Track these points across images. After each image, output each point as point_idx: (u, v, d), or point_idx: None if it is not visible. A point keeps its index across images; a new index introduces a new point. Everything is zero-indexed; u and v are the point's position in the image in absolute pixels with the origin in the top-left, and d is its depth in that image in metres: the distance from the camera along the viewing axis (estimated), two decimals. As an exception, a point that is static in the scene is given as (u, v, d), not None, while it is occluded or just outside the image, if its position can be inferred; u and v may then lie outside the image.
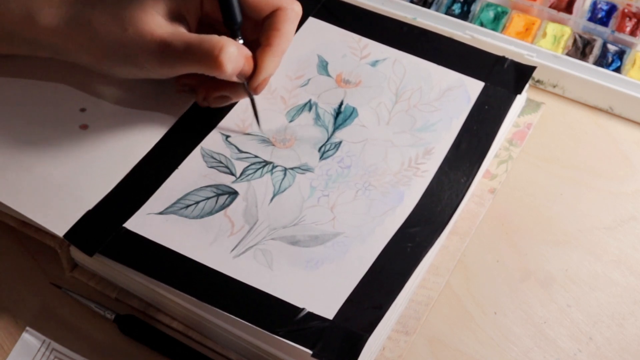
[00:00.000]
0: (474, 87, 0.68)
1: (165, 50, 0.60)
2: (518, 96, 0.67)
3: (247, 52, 0.62)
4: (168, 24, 0.60)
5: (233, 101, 0.66)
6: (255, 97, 0.64)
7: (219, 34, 0.61)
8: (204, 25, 0.65)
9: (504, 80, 0.68)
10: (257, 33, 0.63)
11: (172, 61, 0.60)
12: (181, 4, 0.62)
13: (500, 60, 0.69)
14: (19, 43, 0.63)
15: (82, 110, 0.66)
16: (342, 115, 0.66)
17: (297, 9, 0.64)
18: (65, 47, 0.62)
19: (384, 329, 0.57)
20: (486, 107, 0.67)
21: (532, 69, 0.69)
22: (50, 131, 0.64)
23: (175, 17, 0.61)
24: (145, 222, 0.59)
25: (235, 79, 0.62)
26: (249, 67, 0.62)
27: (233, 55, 0.60)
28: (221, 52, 0.59)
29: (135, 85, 0.66)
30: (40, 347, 0.58)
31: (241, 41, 0.63)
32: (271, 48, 0.62)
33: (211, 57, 0.59)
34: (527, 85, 0.68)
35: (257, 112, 0.65)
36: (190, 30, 0.62)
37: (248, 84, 0.63)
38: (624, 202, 0.67)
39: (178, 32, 0.60)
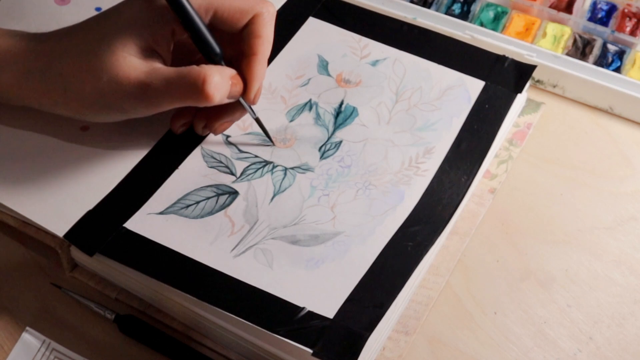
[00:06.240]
0: (474, 86, 0.68)
1: (146, 91, 0.57)
2: (518, 95, 0.67)
3: (231, 72, 0.60)
4: (142, 63, 0.58)
5: (237, 120, 0.64)
6: (257, 107, 0.63)
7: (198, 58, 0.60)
8: (180, 53, 0.62)
9: (504, 79, 0.68)
10: (235, 45, 0.61)
11: (157, 100, 0.58)
12: (150, 40, 0.58)
13: (500, 59, 0.69)
14: None
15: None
16: (342, 115, 0.66)
17: (272, 10, 0.61)
18: (38, 102, 0.60)
19: (385, 328, 0.57)
20: (486, 106, 0.67)
21: (532, 67, 0.69)
22: (50, 132, 0.64)
23: (148, 53, 0.59)
24: (145, 222, 0.59)
25: (226, 101, 0.60)
26: (239, 87, 0.60)
27: (218, 83, 0.57)
28: (205, 83, 0.57)
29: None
30: (40, 347, 0.58)
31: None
32: (257, 56, 0.60)
33: (196, 91, 0.57)
34: (527, 84, 0.68)
35: (265, 128, 0.64)
36: (165, 63, 0.60)
37: (244, 99, 0.61)
38: (624, 202, 0.67)
39: (155, 70, 0.58)
